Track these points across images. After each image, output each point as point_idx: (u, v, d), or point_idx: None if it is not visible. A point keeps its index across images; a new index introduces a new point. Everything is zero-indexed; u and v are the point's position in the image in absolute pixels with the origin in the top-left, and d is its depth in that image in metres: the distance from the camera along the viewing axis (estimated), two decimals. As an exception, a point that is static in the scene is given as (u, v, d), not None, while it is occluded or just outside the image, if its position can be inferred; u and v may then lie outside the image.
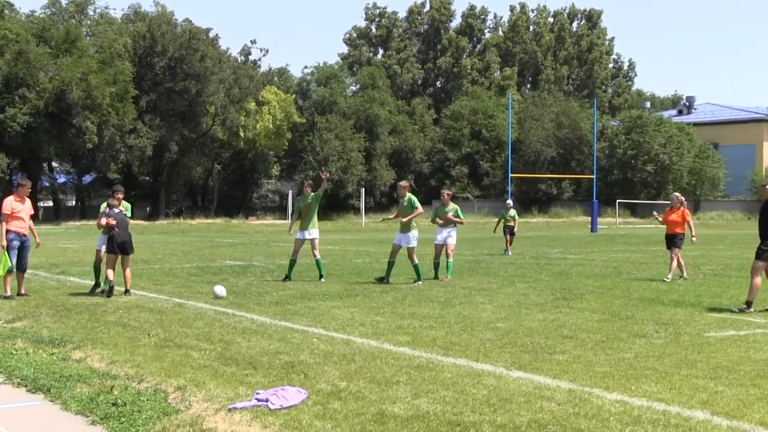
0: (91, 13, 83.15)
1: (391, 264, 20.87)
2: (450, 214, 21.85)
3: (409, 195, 20.79)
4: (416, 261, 20.08)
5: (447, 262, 21.59)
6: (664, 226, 21.99)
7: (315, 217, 21.27)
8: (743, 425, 7.55)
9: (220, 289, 17.06)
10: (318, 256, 21.32)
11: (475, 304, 15.85)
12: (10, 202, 17.47)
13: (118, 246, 17.79)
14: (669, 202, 21.79)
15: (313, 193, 21.18)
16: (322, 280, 20.75)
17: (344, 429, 7.46)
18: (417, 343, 11.57)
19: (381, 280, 20.50)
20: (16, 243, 17.40)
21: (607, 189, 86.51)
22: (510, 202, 32.19)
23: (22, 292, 17.42)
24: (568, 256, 30.37)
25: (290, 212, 21.33)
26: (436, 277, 21.44)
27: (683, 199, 22.04)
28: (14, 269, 17.25)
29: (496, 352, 10.85)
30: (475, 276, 22.04)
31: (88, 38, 77.85)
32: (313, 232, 21.20)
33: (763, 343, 11.56)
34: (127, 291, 17.82)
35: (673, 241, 21.22)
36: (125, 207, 18.53)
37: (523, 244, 31.96)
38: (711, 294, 17.42)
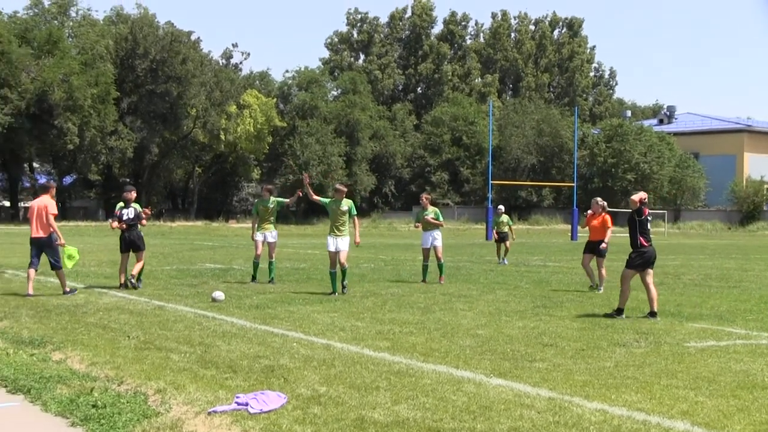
0: (74, 14, 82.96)
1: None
2: (430, 217, 22.12)
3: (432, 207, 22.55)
4: (345, 265, 19.15)
5: (438, 263, 22.15)
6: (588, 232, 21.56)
7: (274, 221, 21.53)
8: (723, 435, 7.57)
9: (219, 294, 17.07)
10: (273, 259, 21.51)
11: (456, 311, 15.84)
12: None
13: (128, 244, 19.20)
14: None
15: (275, 199, 21.55)
16: (272, 283, 20.89)
17: (324, 434, 7.45)
18: (397, 348, 11.55)
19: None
20: None
21: (587, 197, 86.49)
22: (502, 207, 31.41)
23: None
24: (548, 264, 30.42)
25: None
26: (423, 281, 21.93)
27: (605, 204, 21.40)
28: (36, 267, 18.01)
29: (476, 359, 10.84)
30: (456, 282, 22.04)
31: (71, 39, 77.65)
32: (274, 234, 21.41)
33: (743, 354, 11.58)
34: (136, 278, 19.24)
35: (596, 249, 20.68)
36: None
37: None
38: (691, 304, 17.45)
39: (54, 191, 18.65)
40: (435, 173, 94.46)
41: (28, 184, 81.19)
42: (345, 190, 19.42)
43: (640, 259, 15.44)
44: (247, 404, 8.22)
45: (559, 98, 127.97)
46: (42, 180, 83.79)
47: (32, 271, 17.81)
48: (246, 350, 11.24)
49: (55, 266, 17.94)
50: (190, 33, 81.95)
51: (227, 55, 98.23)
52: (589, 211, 21.25)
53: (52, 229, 17.79)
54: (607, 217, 20.91)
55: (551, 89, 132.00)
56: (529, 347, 11.81)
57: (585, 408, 8.35)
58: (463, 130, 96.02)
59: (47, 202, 17.91)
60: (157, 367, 10.01)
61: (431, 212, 22.31)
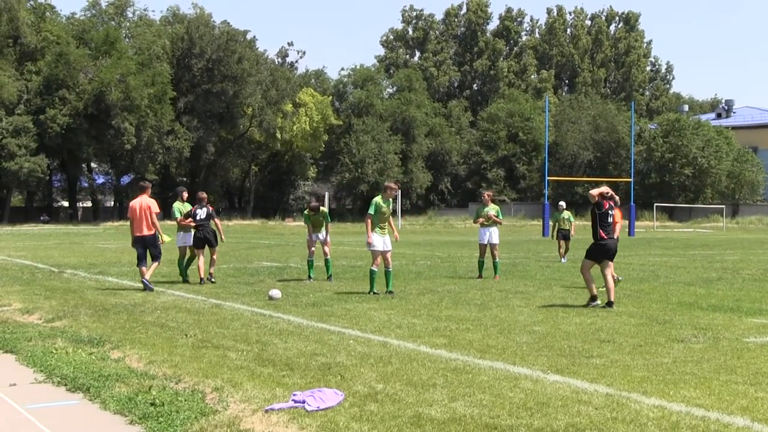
0: (130, 15, 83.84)
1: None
2: (492, 213, 22.25)
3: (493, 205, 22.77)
4: (391, 266, 18.70)
5: (494, 262, 22.43)
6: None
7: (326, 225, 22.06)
8: (784, 432, 7.45)
9: (276, 292, 17.17)
10: (329, 256, 21.89)
11: (512, 307, 15.78)
12: None
13: (202, 241, 20.35)
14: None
15: (325, 211, 22.07)
16: (330, 280, 21.23)
17: (381, 431, 7.45)
18: (454, 345, 11.53)
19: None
20: None
21: (644, 192, 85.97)
22: (563, 204, 30.61)
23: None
24: (605, 260, 30.14)
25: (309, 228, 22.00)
26: (479, 276, 22.10)
27: (617, 199, 20.94)
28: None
29: (533, 356, 10.79)
30: (512, 279, 21.97)
31: (127, 40, 78.44)
32: (325, 234, 21.85)
33: (803, 349, 11.41)
34: (210, 276, 20.33)
35: None
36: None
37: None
38: (750, 299, 17.25)
39: (150, 191, 19.42)
40: (491, 170, 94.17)
41: (86, 184, 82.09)
42: (397, 187, 19.45)
43: (600, 251, 16.05)
44: (304, 402, 8.23)
45: (616, 93, 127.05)
46: (99, 180, 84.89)
47: (144, 269, 18.73)
48: (303, 348, 11.27)
49: (156, 258, 18.98)
50: (245, 32, 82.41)
51: (283, 54, 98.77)
52: None
53: (155, 228, 18.84)
54: (619, 212, 20.52)
55: (607, 84, 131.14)
56: (586, 343, 11.73)
57: (643, 404, 8.28)
58: (519, 127, 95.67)
59: (149, 202, 18.88)
60: (214, 365, 10.07)
61: (492, 209, 22.55)
